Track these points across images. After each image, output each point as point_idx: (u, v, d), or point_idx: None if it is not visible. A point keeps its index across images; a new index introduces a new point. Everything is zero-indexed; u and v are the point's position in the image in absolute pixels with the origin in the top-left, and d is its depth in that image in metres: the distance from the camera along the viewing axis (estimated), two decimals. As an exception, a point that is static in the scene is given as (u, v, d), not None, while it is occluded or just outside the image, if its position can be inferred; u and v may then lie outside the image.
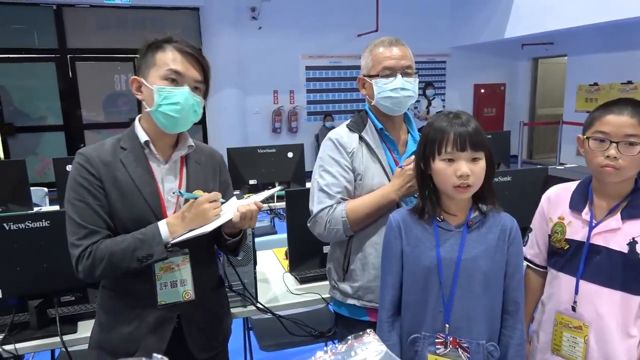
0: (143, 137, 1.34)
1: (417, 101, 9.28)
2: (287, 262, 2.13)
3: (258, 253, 2.46)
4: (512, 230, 1.29)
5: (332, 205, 1.53)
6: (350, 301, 1.60)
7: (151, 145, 1.34)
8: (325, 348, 0.48)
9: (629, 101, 1.31)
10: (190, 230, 1.29)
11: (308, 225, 1.61)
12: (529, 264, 1.56)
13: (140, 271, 1.28)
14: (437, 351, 1.27)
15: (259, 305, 1.80)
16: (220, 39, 7.27)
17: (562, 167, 3.27)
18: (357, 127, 1.61)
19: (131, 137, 1.36)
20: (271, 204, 3.49)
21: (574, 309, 1.36)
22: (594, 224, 1.35)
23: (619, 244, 1.31)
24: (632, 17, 5.50)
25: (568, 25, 6.35)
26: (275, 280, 2.09)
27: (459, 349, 1.26)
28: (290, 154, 3.59)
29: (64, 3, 6.82)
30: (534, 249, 1.53)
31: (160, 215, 1.31)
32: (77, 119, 7.22)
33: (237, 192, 1.59)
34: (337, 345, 0.49)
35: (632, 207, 1.32)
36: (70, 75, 7.09)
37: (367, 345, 0.49)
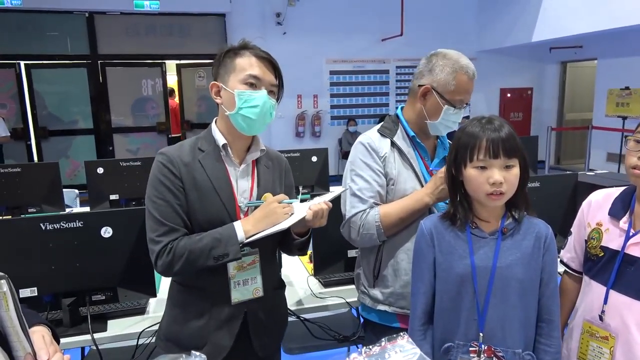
0: (221, 140, 1.39)
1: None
2: (311, 266, 2.13)
3: (283, 256, 2.50)
4: (547, 237, 1.26)
5: (365, 210, 1.52)
6: (381, 307, 1.58)
7: (228, 148, 1.40)
8: (358, 349, 0.49)
9: None
10: (263, 231, 1.33)
11: (341, 230, 1.60)
12: (566, 269, 1.53)
13: (214, 269, 1.33)
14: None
15: (284, 308, 1.81)
16: (246, 44, 7.36)
17: (593, 174, 3.18)
18: (388, 132, 1.60)
19: (209, 140, 1.41)
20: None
21: (601, 318, 1.32)
22: (631, 234, 1.30)
23: None
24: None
25: (597, 29, 6.21)
26: (299, 283, 2.10)
27: (494, 357, 1.23)
28: (314, 158, 3.60)
29: (96, 10, 7.04)
30: (570, 253, 1.50)
31: (235, 216, 1.36)
32: (106, 122, 7.42)
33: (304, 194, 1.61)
34: (370, 347, 0.49)
35: None
36: (101, 80, 7.29)
37: (401, 347, 0.49)
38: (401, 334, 0.52)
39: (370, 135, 1.61)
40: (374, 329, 1.65)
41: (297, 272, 2.24)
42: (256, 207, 1.38)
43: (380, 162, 1.55)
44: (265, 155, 1.48)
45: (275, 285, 1.53)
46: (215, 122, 1.45)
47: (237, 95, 1.34)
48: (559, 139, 9.33)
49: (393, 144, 1.58)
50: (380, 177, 1.55)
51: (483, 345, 1.23)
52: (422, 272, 1.31)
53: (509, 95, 9.31)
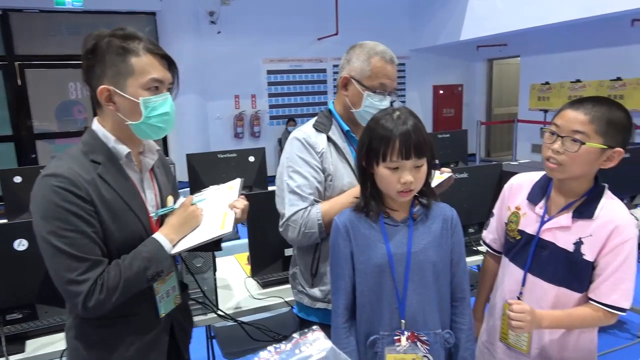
0: (123, 149, 1.22)
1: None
2: (249, 267, 2.09)
3: (220, 260, 2.44)
4: (453, 219, 1.32)
5: (306, 208, 1.48)
6: (320, 305, 1.56)
7: (132, 156, 1.25)
8: (269, 347, 0.47)
9: (594, 98, 1.26)
10: (185, 237, 1.26)
11: (280, 230, 1.55)
12: (488, 249, 1.59)
13: (141, 292, 1.22)
14: (397, 349, 1.26)
15: (219, 312, 1.76)
16: (179, 44, 7.13)
17: (517, 163, 3.37)
18: (323, 127, 1.58)
19: (99, 149, 1.20)
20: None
21: (519, 299, 1.37)
22: (545, 219, 1.35)
23: (566, 242, 1.31)
24: (579, 19, 5.76)
25: (520, 27, 6.58)
26: (237, 285, 2.05)
27: (418, 342, 1.26)
28: (251, 158, 3.55)
29: (11, 8, 6.53)
30: (492, 234, 1.56)
31: (149, 229, 1.25)
32: (27, 128, 6.91)
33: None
34: (280, 345, 0.47)
35: (584, 207, 1.30)
36: (20, 83, 6.78)
37: (312, 342, 0.47)
38: (313, 327, 0.51)
39: (306, 131, 1.57)
40: None
41: (234, 274, 2.18)
42: (165, 215, 1.30)
43: (317, 157, 1.52)
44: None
45: (183, 286, 1.48)
46: (96, 126, 1.23)
47: (143, 104, 1.18)
48: (489, 133, 9.82)
49: (329, 139, 1.56)
50: (318, 174, 1.52)
51: (406, 332, 1.26)
52: (340, 268, 1.31)
53: (441, 92, 9.68)
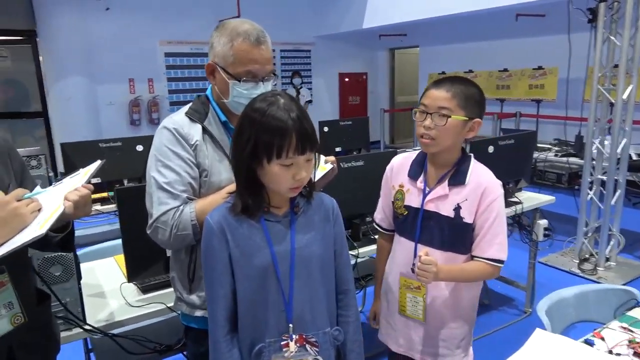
0: None
1: (284, 90, 9.37)
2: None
3: (97, 262, 2.17)
4: (334, 209, 1.25)
5: (177, 207, 1.29)
6: (199, 313, 1.39)
7: None
8: None
9: (452, 78, 1.42)
10: (8, 241, 1.01)
11: (148, 232, 1.34)
12: (379, 229, 1.67)
13: None
14: (285, 355, 1.16)
15: (86, 326, 1.53)
16: (60, 20, 6.39)
17: (412, 149, 3.43)
18: (198, 116, 1.38)
19: None
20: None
21: (413, 271, 1.42)
22: (427, 192, 1.47)
23: (446, 209, 1.43)
24: (468, 11, 6.06)
25: (418, 17, 6.80)
26: (113, 292, 1.81)
27: (307, 344, 1.17)
28: (139, 147, 3.24)
29: None
30: (380, 214, 1.65)
31: None
32: None
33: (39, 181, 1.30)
34: None
35: (456, 175, 1.44)
36: None
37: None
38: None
39: (177, 120, 1.37)
40: (196, 336, 1.46)
41: (111, 279, 1.94)
42: None
43: (191, 150, 1.33)
44: None
45: (35, 299, 1.25)
46: None
47: None
48: (392, 120, 10.16)
49: (204, 130, 1.37)
50: (192, 168, 1.33)
51: (294, 336, 1.16)
52: (217, 274, 1.15)
53: (347, 79, 9.80)
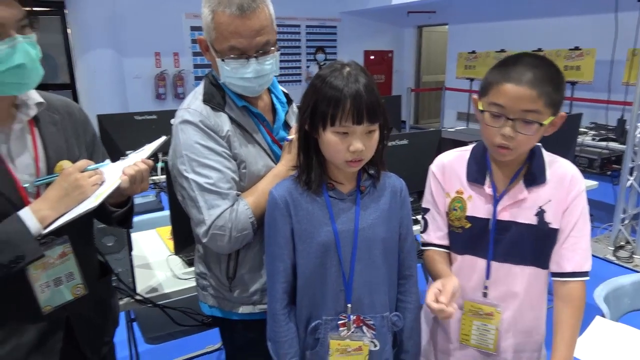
0: None
1: (307, 66, 9.27)
2: (172, 243, 1.86)
3: (139, 234, 2.18)
4: (402, 191, 1.20)
5: (231, 207, 1.18)
6: (245, 309, 1.32)
7: None
8: None
9: (530, 62, 1.08)
10: (67, 212, 1.01)
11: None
12: (433, 248, 1.32)
13: (10, 277, 0.97)
14: (341, 334, 1.14)
15: (137, 296, 1.54)
16: (87, -9, 6.38)
17: (453, 130, 3.36)
18: (217, 102, 1.24)
19: None
20: (155, 177, 3.12)
21: (485, 295, 1.23)
22: (498, 198, 1.20)
23: (526, 216, 1.18)
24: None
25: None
26: (159, 264, 1.83)
27: (364, 326, 1.15)
28: (173, 121, 3.23)
29: None
30: (435, 232, 1.31)
31: (21, 204, 1.01)
32: None
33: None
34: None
35: (532, 173, 1.18)
36: None
37: None
38: None
39: (199, 110, 1.22)
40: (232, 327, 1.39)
41: (156, 251, 1.95)
42: (50, 184, 1.05)
43: (224, 143, 1.21)
44: (46, 109, 1.11)
45: (98, 272, 1.25)
46: None
47: None
48: (417, 100, 9.98)
49: (231, 118, 1.25)
50: (230, 162, 1.22)
51: (352, 316, 1.14)
52: (279, 248, 1.13)
53: (372, 57, 9.61)
